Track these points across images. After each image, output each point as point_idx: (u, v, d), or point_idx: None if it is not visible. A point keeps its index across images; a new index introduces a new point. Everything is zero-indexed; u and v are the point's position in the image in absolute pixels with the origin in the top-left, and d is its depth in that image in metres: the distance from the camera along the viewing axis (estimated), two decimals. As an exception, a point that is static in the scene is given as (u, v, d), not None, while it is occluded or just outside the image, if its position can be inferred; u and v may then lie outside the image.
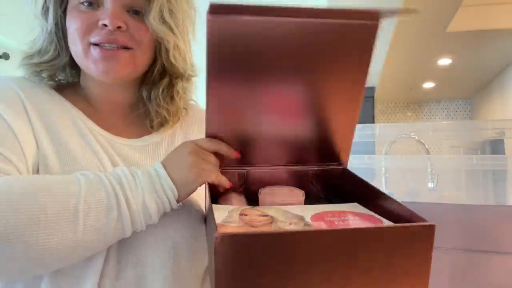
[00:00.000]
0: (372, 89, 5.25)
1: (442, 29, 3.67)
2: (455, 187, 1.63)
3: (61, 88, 0.65)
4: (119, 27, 0.57)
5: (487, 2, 3.62)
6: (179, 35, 0.63)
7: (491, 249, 0.78)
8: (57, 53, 0.62)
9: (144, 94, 0.67)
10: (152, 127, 0.68)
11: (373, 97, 5.32)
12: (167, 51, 0.63)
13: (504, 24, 3.66)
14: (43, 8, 0.61)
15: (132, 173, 0.52)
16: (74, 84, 0.67)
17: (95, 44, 0.58)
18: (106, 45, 0.58)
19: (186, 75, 0.67)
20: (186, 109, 0.72)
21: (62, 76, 0.65)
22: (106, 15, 0.57)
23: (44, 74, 0.62)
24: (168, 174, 0.52)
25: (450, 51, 4.38)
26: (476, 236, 0.80)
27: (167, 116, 0.67)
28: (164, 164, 0.54)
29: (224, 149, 0.56)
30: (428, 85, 5.79)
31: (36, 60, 0.62)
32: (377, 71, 4.52)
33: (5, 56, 3.47)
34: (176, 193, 0.52)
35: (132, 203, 0.49)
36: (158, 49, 0.63)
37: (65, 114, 0.60)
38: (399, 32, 3.53)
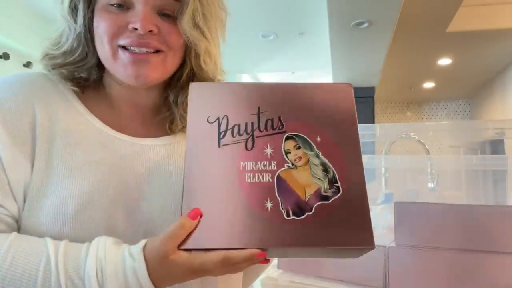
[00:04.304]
0: (372, 89, 5.25)
1: (442, 29, 3.67)
2: (455, 187, 1.62)
3: (81, 87, 0.62)
4: (150, 31, 0.55)
5: (487, 2, 3.62)
6: (211, 39, 0.61)
7: (491, 249, 0.78)
8: (84, 55, 0.60)
9: (171, 98, 0.65)
10: (172, 130, 0.65)
11: (373, 97, 5.32)
12: (197, 55, 0.61)
13: (504, 24, 3.66)
14: (70, 7, 0.58)
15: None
16: (96, 82, 0.64)
17: (124, 47, 0.56)
18: (136, 48, 0.56)
19: (215, 80, 0.65)
20: None
21: (85, 74, 0.62)
22: (137, 18, 0.55)
23: (65, 72, 0.60)
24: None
25: (450, 51, 4.38)
26: (476, 236, 0.80)
27: None
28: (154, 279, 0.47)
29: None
30: (428, 85, 5.79)
31: (60, 60, 0.59)
32: (377, 71, 4.52)
33: (5, 56, 3.47)
34: None
35: None
36: (188, 53, 0.61)
37: (77, 123, 0.58)
38: (399, 32, 3.53)
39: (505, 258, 0.76)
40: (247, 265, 0.46)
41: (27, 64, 3.50)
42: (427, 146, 1.55)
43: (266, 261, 0.46)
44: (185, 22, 0.56)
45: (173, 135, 0.65)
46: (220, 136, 0.51)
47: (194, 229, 0.46)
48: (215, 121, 0.52)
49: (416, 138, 1.55)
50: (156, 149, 0.62)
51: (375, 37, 3.49)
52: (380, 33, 3.40)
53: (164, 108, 0.66)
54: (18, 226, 0.53)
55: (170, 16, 0.58)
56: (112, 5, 0.56)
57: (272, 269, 1.05)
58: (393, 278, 0.86)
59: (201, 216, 0.46)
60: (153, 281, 0.46)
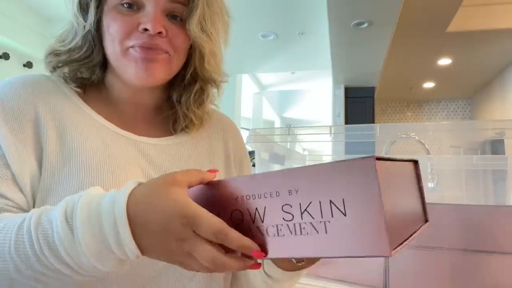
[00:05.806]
0: (372, 89, 5.24)
1: (442, 29, 3.67)
2: (455, 187, 1.62)
3: (82, 88, 0.63)
4: (159, 33, 0.56)
5: (487, 2, 3.62)
6: (216, 42, 0.63)
7: (491, 249, 0.79)
8: (89, 52, 0.61)
9: (174, 97, 0.66)
10: (174, 130, 0.67)
11: (373, 97, 5.32)
12: (202, 57, 0.63)
13: (504, 24, 3.66)
14: (80, 5, 0.58)
15: (70, 229, 0.39)
16: (97, 83, 0.64)
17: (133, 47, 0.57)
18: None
19: (217, 81, 0.67)
20: (208, 113, 0.71)
21: (87, 74, 0.62)
22: (147, 19, 0.56)
23: (67, 71, 0.60)
24: (136, 241, 0.39)
25: (450, 51, 4.38)
26: (476, 236, 0.80)
27: (194, 120, 0.66)
28: (133, 221, 0.39)
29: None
30: (428, 85, 5.79)
31: (65, 57, 0.60)
32: (377, 71, 4.52)
33: (5, 56, 3.47)
34: (139, 255, 0.40)
35: (71, 263, 0.40)
36: (193, 53, 0.63)
37: (83, 120, 0.58)
38: (399, 32, 3.53)
39: (505, 258, 0.76)
40: (235, 264, 0.39)
41: (27, 64, 3.49)
42: (427, 146, 1.56)
43: (257, 265, 0.42)
44: (194, 25, 0.58)
45: (174, 136, 0.66)
46: None
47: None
48: None
49: (416, 138, 1.54)
50: (160, 148, 0.63)
51: (375, 37, 3.49)
52: (380, 33, 3.40)
53: (167, 107, 0.67)
54: None
55: (177, 19, 0.59)
56: (123, 4, 0.57)
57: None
58: (393, 278, 0.86)
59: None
60: (129, 214, 0.38)
